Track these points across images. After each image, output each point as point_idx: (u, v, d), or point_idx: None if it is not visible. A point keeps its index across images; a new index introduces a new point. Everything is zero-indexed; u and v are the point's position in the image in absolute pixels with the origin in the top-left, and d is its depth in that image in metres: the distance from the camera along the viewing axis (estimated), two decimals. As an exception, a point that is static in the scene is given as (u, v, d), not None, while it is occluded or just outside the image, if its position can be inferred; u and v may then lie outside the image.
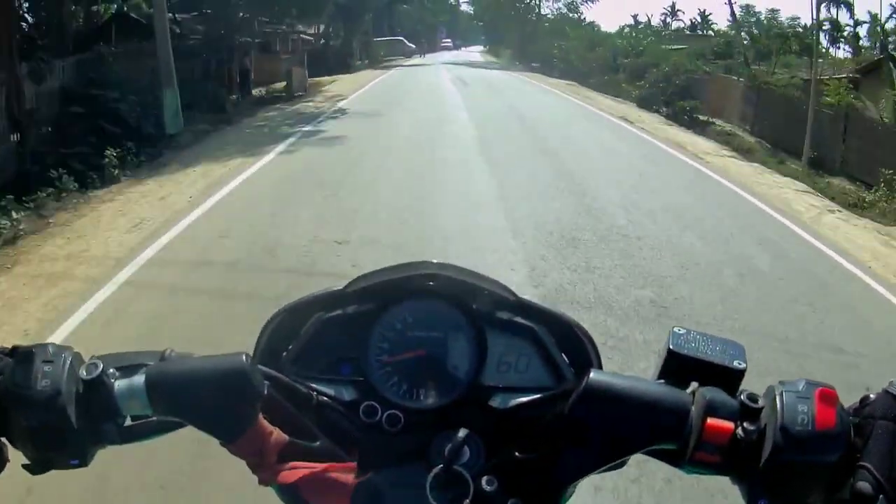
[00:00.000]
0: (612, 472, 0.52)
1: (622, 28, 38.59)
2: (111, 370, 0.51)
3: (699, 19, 46.34)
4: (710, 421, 0.47)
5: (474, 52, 57.88)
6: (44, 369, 0.49)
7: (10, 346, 0.51)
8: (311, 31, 28.35)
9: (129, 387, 0.50)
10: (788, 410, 0.45)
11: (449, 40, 66.68)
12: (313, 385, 0.56)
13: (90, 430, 0.50)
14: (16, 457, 0.49)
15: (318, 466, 0.51)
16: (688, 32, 44.05)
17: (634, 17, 42.28)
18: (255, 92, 16.07)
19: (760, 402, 0.47)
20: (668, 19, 52.47)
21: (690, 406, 0.48)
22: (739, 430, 0.46)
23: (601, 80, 22.01)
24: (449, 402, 0.57)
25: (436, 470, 0.51)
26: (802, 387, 0.46)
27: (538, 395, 0.57)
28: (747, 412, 0.47)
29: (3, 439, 0.49)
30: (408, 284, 0.59)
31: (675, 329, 0.53)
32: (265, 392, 0.50)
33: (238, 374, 0.50)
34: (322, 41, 27.16)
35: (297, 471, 0.50)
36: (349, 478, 0.51)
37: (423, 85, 20.01)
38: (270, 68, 18.62)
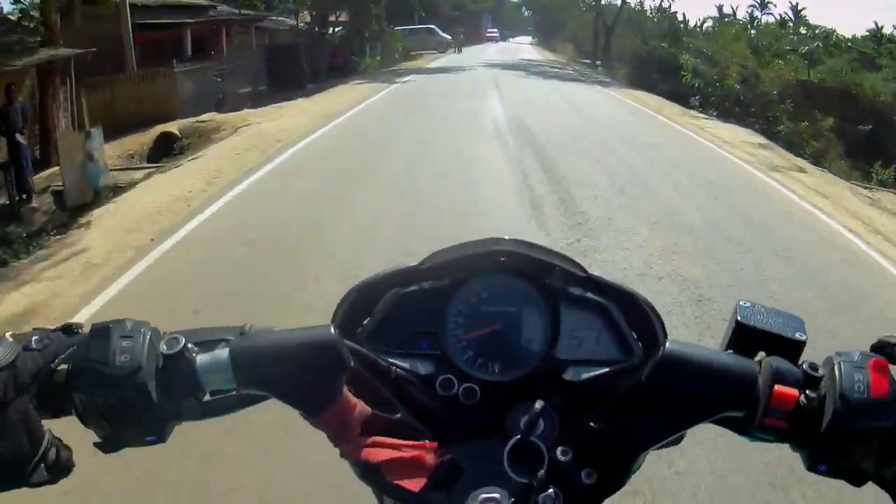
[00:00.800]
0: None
1: (703, 21, 32.19)
2: (191, 345, 0.52)
3: (791, 13, 37.30)
4: (777, 388, 0.50)
5: (524, 45, 51.70)
6: (122, 345, 0.50)
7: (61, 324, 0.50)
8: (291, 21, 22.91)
9: (212, 361, 0.52)
10: (846, 379, 0.49)
11: (495, 30, 61.45)
12: (390, 359, 0.58)
13: (170, 406, 0.51)
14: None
15: (400, 445, 0.53)
16: (783, 28, 34.17)
17: (719, 8, 38.86)
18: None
19: (821, 371, 0.51)
20: (756, 12, 41.97)
21: (758, 374, 0.51)
22: (802, 398, 0.50)
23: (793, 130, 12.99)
24: (523, 375, 0.59)
25: (512, 441, 0.53)
26: (857, 357, 0.50)
27: (609, 369, 0.59)
28: (810, 380, 0.51)
29: (61, 442, 0.51)
30: (482, 260, 0.62)
31: (741, 302, 0.56)
32: (351, 364, 0.52)
33: (326, 346, 0.52)
34: (299, 34, 20.61)
35: (380, 450, 0.53)
36: (430, 457, 0.54)
37: (424, 148, 9.33)
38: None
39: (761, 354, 0.53)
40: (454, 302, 0.61)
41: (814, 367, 0.51)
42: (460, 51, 33.56)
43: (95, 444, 0.50)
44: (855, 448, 0.49)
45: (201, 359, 0.52)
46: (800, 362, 0.52)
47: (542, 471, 0.52)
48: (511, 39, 70.09)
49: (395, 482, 0.52)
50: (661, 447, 0.56)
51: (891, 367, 0.50)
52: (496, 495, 0.51)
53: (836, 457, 0.50)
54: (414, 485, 0.52)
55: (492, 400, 0.58)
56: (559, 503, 0.50)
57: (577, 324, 0.62)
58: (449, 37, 35.29)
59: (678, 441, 0.57)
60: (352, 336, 0.59)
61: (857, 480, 0.50)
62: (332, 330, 0.52)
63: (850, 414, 0.48)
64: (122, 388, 0.48)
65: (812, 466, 0.51)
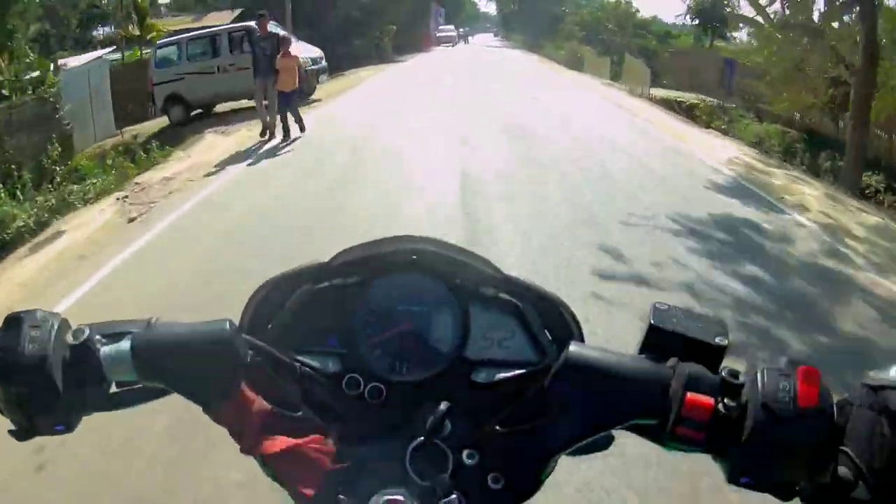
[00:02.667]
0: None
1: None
2: (98, 336, 0.54)
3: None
4: (690, 395, 0.48)
5: (495, 48, 45.19)
6: (31, 334, 0.52)
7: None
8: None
9: (115, 352, 0.53)
10: (770, 387, 0.47)
11: (451, 28, 51.69)
12: (297, 356, 0.59)
13: (76, 396, 0.53)
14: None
15: (299, 439, 0.54)
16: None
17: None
18: None
19: (742, 379, 0.49)
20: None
21: (671, 380, 0.50)
22: (720, 406, 0.48)
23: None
24: (431, 376, 0.60)
25: (415, 442, 0.54)
26: (784, 364, 0.48)
27: (521, 371, 0.60)
28: (728, 388, 0.49)
29: None
30: (392, 259, 0.62)
31: (657, 304, 0.55)
32: (248, 360, 0.53)
33: (222, 340, 0.53)
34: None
35: (277, 442, 0.53)
36: (329, 449, 0.54)
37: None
38: None
39: (675, 360, 0.51)
40: (364, 300, 0.62)
41: (734, 373, 0.49)
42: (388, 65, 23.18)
43: (10, 432, 0.53)
44: (780, 462, 0.47)
45: (105, 350, 0.54)
46: (720, 368, 0.50)
47: (447, 474, 0.53)
48: (470, 40, 62.18)
49: (296, 477, 0.53)
50: (586, 452, 0.57)
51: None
52: (399, 497, 0.51)
53: (759, 470, 0.47)
54: (314, 480, 0.53)
55: (399, 400, 0.59)
56: None
57: (490, 324, 0.62)
58: (312, 54, 14.41)
59: (605, 446, 0.58)
60: (261, 333, 0.61)
61: (783, 495, 0.49)
62: (228, 326, 0.53)
63: (773, 425, 0.46)
64: (30, 376, 0.51)
65: (733, 479, 0.48)
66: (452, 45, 42.83)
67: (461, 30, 53.47)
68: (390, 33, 28.91)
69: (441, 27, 47.57)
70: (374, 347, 0.61)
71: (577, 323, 0.63)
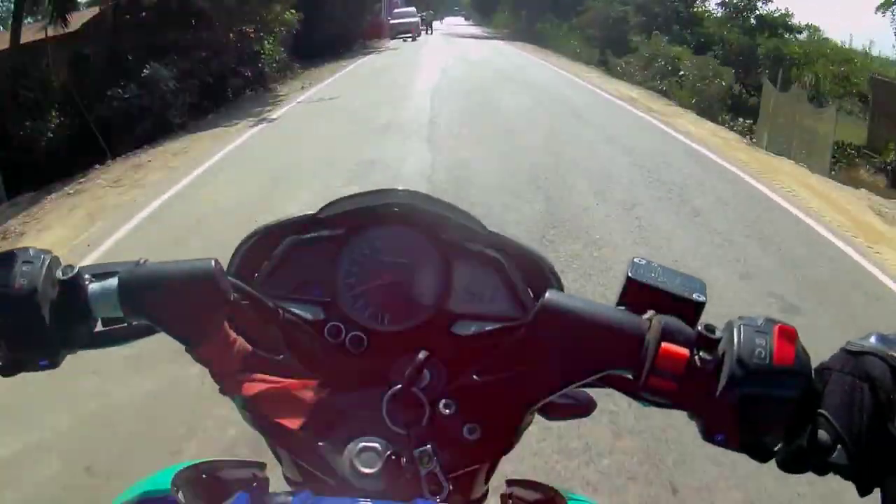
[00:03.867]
0: None
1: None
2: (87, 275, 0.56)
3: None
4: (664, 346, 0.49)
5: (480, 40, 30.75)
6: (23, 269, 0.54)
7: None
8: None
9: (101, 288, 0.55)
10: (746, 343, 0.48)
11: (412, 11, 35.57)
12: (281, 304, 0.61)
13: (63, 331, 0.55)
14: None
15: (280, 381, 0.55)
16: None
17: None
18: None
19: (718, 334, 0.50)
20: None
21: (646, 331, 0.50)
22: (696, 360, 0.49)
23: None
24: (412, 327, 0.62)
25: (392, 390, 0.55)
26: (762, 322, 0.49)
27: (501, 325, 0.62)
28: (704, 342, 0.49)
29: None
30: (377, 212, 0.64)
31: (636, 259, 0.55)
32: (230, 297, 0.54)
33: (205, 276, 0.54)
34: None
35: (257, 384, 0.55)
36: (309, 394, 0.56)
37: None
38: None
39: (652, 313, 0.52)
40: (348, 251, 0.65)
41: (710, 328, 0.50)
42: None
43: None
44: (754, 419, 0.47)
45: (93, 287, 0.56)
46: (698, 324, 0.51)
47: (423, 423, 0.55)
48: (437, 25, 51.02)
49: (274, 419, 0.54)
50: (568, 417, 0.61)
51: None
52: (376, 445, 0.53)
53: (733, 427, 0.48)
54: (292, 423, 0.54)
55: (379, 349, 0.61)
56: (437, 459, 0.53)
57: (472, 278, 0.65)
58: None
59: (586, 412, 0.61)
60: (249, 280, 0.63)
61: (759, 455, 0.49)
62: (213, 264, 0.55)
63: (748, 380, 0.47)
64: (19, 309, 0.52)
65: (708, 435, 0.49)
66: (413, 38, 29.82)
67: (423, 14, 36.75)
68: (276, 36, 15.65)
69: (397, 10, 33.97)
70: (356, 298, 0.63)
71: (558, 277, 0.65)
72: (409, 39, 29.74)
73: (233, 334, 0.55)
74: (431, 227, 0.64)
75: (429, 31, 35.09)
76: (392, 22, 32.14)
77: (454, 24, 64.74)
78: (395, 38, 29.83)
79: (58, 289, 0.54)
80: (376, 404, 0.56)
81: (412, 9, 35.30)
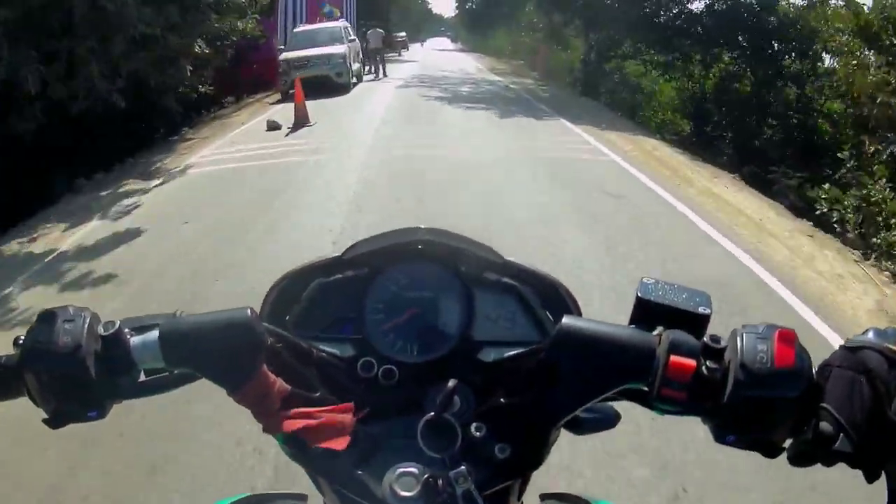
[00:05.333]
0: None
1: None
2: (127, 329, 0.61)
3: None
4: (673, 358, 0.55)
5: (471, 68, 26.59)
6: (65, 327, 0.59)
7: None
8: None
9: (143, 341, 0.61)
10: (748, 349, 0.54)
11: (336, 26, 17.16)
12: (314, 343, 0.67)
13: (108, 383, 0.60)
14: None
15: (317, 412, 0.60)
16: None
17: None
18: None
19: (723, 343, 0.56)
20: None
21: (656, 346, 0.57)
22: (703, 369, 0.55)
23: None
24: (440, 357, 0.68)
25: (426, 418, 0.61)
26: (763, 329, 0.55)
27: (524, 349, 0.68)
28: (710, 351, 0.56)
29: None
30: (400, 250, 0.71)
31: (644, 279, 0.62)
32: (267, 341, 0.60)
33: (241, 324, 0.60)
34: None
35: (298, 420, 0.60)
36: (347, 418, 0.61)
37: None
38: None
39: (660, 329, 0.59)
40: (374, 289, 0.70)
41: (715, 339, 0.57)
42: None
43: (44, 421, 0.60)
44: (762, 419, 0.53)
45: (134, 340, 0.61)
46: (704, 336, 0.57)
47: (456, 446, 0.60)
48: (421, 48, 52.57)
49: (320, 445, 0.60)
50: (594, 431, 0.67)
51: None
52: (413, 469, 0.59)
53: (743, 428, 0.54)
54: (338, 444, 0.59)
55: (410, 380, 0.67)
56: (471, 478, 0.58)
57: (493, 306, 0.71)
58: None
59: (612, 424, 0.68)
60: (280, 322, 0.69)
61: (769, 452, 0.55)
62: (249, 312, 0.60)
63: (752, 384, 0.52)
64: (65, 364, 0.57)
65: (720, 437, 0.55)
66: (346, 83, 15.50)
67: (368, 29, 21.40)
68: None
69: (301, 30, 16.95)
70: (385, 333, 0.69)
71: (574, 301, 0.71)
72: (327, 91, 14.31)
73: (272, 376, 0.60)
74: (452, 260, 0.71)
75: (379, 72, 19.76)
76: (285, 57, 15.20)
77: (437, 47, 57.91)
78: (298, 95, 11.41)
79: (100, 344, 0.59)
80: (411, 432, 0.61)
81: (337, 24, 17.36)
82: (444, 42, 73.40)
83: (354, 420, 0.61)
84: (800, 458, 0.54)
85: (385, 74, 19.79)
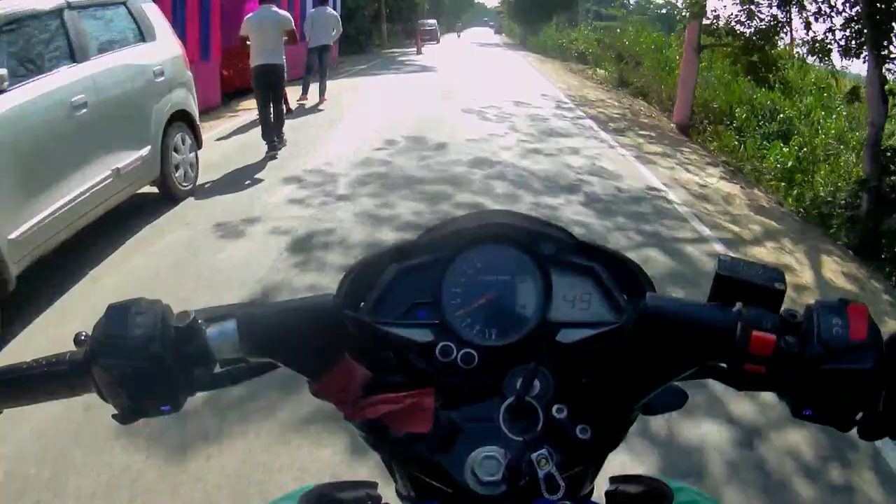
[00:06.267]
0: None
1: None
2: (201, 319, 0.63)
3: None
4: (755, 333, 0.58)
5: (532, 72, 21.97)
6: (137, 320, 0.59)
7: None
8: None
9: (220, 331, 0.62)
10: (824, 323, 0.57)
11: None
12: (391, 329, 0.71)
13: (183, 376, 0.61)
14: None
15: (398, 397, 0.63)
16: None
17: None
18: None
19: (799, 317, 0.59)
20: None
21: (737, 322, 0.60)
22: (782, 343, 0.58)
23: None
24: (518, 339, 0.71)
25: (508, 401, 0.64)
26: (836, 303, 0.59)
27: (601, 330, 0.71)
28: (788, 326, 0.59)
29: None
30: (476, 233, 0.74)
31: (721, 256, 0.64)
32: (349, 329, 0.65)
33: (324, 312, 0.62)
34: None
35: (380, 406, 0.63)
36: (429, 401, 0.64)
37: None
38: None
39: (739, 304, 0.63)
40: (451, 273, 0.75)
41: (792, 313, 0.61)
42: None
43: (113, 417, 0.62)
44: (838, 391, 0.57)
45: (211, 330, 0.63)
46: (780, 311, 0.62)
47: (538, 428, 0.64)
48: (459, 37, 50.39)
49: (404, 430, 0.64)
50: (662, 412, 0.70)
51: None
52: (494, 453, 0.62)
53: (819, 401, 0.58)
54: (421, 427, 0.64)
55: (489, 364, 0.70)
56: (552, 460, 0.62)
57: (569, 288, 0.74)
58: None
59: (680, 405, 0.71)
60: (355, 309, 0.74)
61: (843, 425, 0.59)
62: (331, 300, 0.64)
63: (829, 356, 0.56)
64: (138, 358, 0.59)
65: (797, 412, 0.59)
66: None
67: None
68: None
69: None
70: (463, 317, 0.73)
71: (649, 279, 0.76)
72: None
73: (353, 363, 0.64)
74: (527, 242, 0.75)
75: (307, 95, 12.04)
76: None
77: (476, 40, 50.74)
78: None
79: (175, 336, 0.61)
80: (492, 416, 0.65)
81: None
82: (485, 34, 68.65)
83: (436, 403, 0.64)
84: (870, 432, 0.58)
85: (323, 100, 11.82)
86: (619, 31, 22.80)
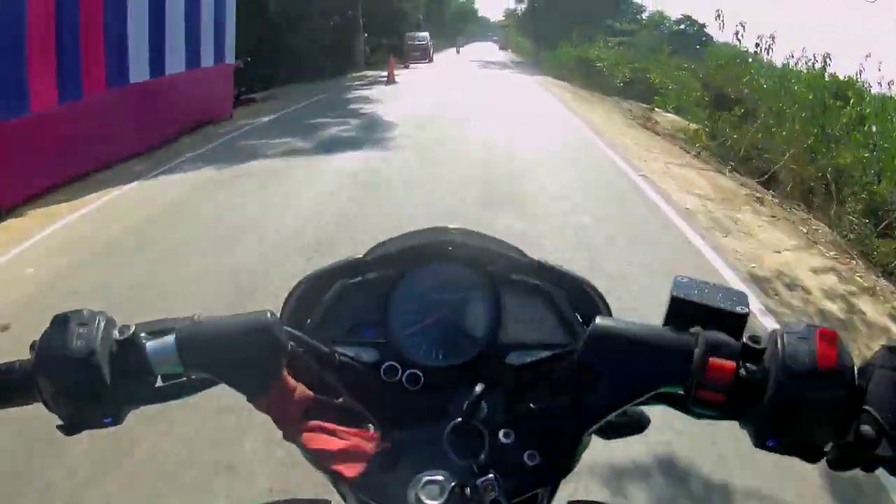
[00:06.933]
0: None
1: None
2: (143, 333, 0.66)
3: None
4: (712, 360, 0.58)
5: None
6: (79, 331, 0.62)
7: None
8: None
9: (160, 345, 0.64)
10: (790, 350, 0.56)
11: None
12: (336, 347, 0.72)
13: (123, 389, 0.63)
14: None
15: (340, 431, 0.64)
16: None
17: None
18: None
19: (763, 344, 0.60)
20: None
21: (693, 347, 0.60)
22: (742, 370, 0.58)
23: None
24: (467, 361, 0.73)
25: (452, 424, 0.65)
26: (803, 328, 0.58)
27: (553, 352, 0.73)
28: (750, 353, 0.59)
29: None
30: (426, 250, 0.76)
31: (678, 277, 0.66)
32: (288, 346, 0.66)
33: (262, 328, 0.63)
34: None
35: (319, 436, 0.64)
36: (370, 446, 0.65)
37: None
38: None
39: (697, 328, 0.63)
40: (398, 292, 0.76)
41: (755, 339, 0.61)
42: None
43: (58, 427, 0.64)
44: (803, 421, 0.56)
45: (151, 344, 0.65)
46: (743, 336, 0.63)
47: (483, 453, 0.65)
48: (459, 51, 49.39)
49: (333, 468, 0.65)
50: (621, 436, 0.70)
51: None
52: (439, 477, 0.62)
53: (784, 431, 0.57)
54: (351, 470, 0.64)
55: (436, 385, 0.72)
56: (499, 486, 0.63)
57: (521, 308, 0.75)
58: None
59: (640, 430, 0.70)
60: (301, 326, 0.75)
61: (811, 457, 0.58)
62: (269, 315, 0.65)
63: (794, 385, 0.56)
64: (79, 370, 0.61)
65: (760, 442, 0.59)
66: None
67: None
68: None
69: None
70: (410, 336, 0.75)
71: (605, 301, 0.77)
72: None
73: (292, 382, 0.65)
74: (478, 261, 0.76)
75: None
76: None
77: (476, 58, 45.09)
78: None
79: (116, 348, 0.63)
80: (437, 439, 0.65)
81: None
82: (489, 50, 62.35)
83: (376, 443, 0.66)
84: (841, 463, 0.57)
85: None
86: (656, 54, 21.13)
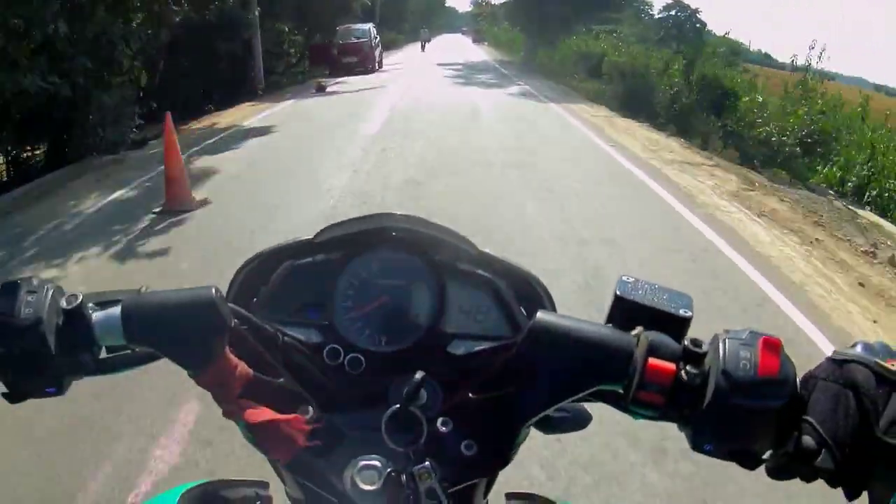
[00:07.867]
0: None
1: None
2: (90, 303, 0.67)
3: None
4: (651, 361, 0.59)
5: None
6: (27, 299, 0.63)
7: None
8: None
9: (105, 317, 0.65)
10: (731, 356, 0.57)
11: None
12: (280, 327, 0.74)
13: (68, 359, 0.64)
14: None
15: (280, 415, 0.65)
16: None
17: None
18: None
19: (704, 348, 0.60)
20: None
21: (634, 347, 0.61)
22: (682, 373, 0.59)
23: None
24: (408, 347, 0.75)
25: (391, 410, 0.67)
26: (746, 335, 0.59)
27: (495, 343, 0.75)
28: (690, 356, 0.59)
29: None
30: (374, 235, 0.77)
31: (623, 277, 0.67)
32: (231, 323, 0.66)
33: (206, 303, 0.64)
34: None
35: (258, 412, 0.65)
36: (307, 428, 0.66)
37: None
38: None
39: (639, 329, 0.64)
40: (344, 275, 0.77)
41: (697, 343, 0.61)
42: None
43: (3, 395, 0.65)
44: (742, 428, 0.57)
45: (97, 315, 0.66)
46: (684, 339, 0.63)
47: (421, 441, 0.66)
48: (425, 47, 43.41)
49: (270, 448, 0.66)
50: (564, 431, 0.71)
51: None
52: (376, 462, 0.64)
53: (721, 436, 0.58)
54: (287, 452, 0.65)
55: (377, 370, 0.73)
56: (435, 475, 0.64)
57: (466, 299, 0.77)
58: None
59: (583, 426, 0.72)
60: (247, 304, 0.77)
61: (747, 463, 0.58)
62: (213, 291, 0.66)
63: (733, 392, 0.56)
64: (25, 338, 0.63)
65: (696, 445, 0.59)
66: None
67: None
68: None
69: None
70: (354, 320, 0.76)
71: (549, 296, 0.78)
72: None
73: (234, 359, 0.66)
74: (425, 249, 0.77)
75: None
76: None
77: (444, 57, 36.59)
78: None
79: (62, 318, 0.65)
80: (376, 424, 0.66)
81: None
82: (461, 44, 54.37)
83: (315, 424, 0.65)
84: (779, 472, 0.58)
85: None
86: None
